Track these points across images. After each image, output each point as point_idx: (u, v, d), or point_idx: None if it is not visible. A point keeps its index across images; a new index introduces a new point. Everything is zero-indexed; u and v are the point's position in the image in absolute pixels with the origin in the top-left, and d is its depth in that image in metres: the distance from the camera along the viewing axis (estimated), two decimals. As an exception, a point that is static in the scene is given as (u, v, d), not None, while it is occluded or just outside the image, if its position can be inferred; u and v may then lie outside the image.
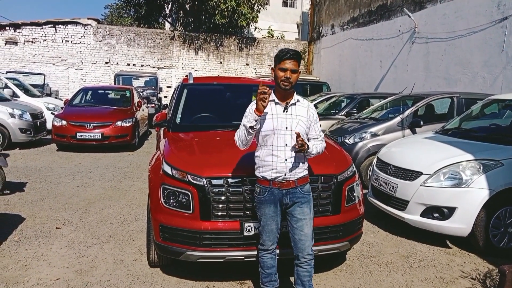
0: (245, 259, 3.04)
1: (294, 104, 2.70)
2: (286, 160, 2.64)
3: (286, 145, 2.63)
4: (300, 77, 2.89)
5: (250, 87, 5.36)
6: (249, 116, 2.59)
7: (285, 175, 2.66)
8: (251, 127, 2.58)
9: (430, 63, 11.42)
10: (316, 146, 2.74)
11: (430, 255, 4.01)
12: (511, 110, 5.44)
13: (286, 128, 2.63)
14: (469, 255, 4.05)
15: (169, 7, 21.74)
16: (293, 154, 2.65)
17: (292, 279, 3.12)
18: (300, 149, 2.55)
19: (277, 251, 2.87)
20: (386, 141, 6.15)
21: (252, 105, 2.65)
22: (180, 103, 4.61)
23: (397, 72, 13.07)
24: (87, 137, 9.03)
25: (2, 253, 3.71)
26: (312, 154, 2.72)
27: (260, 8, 20.36)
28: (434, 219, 4.11)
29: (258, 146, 2.76)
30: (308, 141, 2.71)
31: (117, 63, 18.19)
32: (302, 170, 2.73)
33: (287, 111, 2.67)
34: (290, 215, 2.73)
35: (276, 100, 2.70)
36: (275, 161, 2.65)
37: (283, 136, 2.63)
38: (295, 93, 2.74)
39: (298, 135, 2.53)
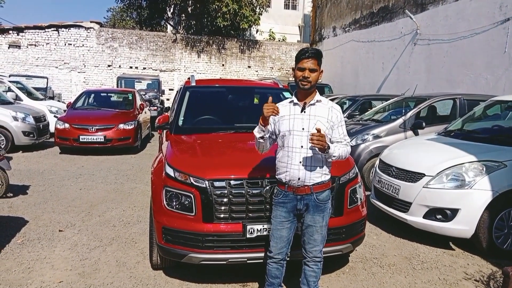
0: (248, 261, 3.04)
1: (314, 104, 2.61)
2: (300, 162, 2.56)
3: (301, 146, 2.55)
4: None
5: (252, 89, 5.38)
6: (257, 127, 2.61)
7: (298, 179, 2.58)
8: (260, 137, 2.63)
9: (432, 64, 11.41)
10: (339, 148, 2.58)
11: (433, 257, 3.99)
12: (514, 111, 5.43)
13: (303, 129, 2.55)
14: (472, 257, 4.03)
15: (171, 10, 21.80)
16: (309, 156, 2.56)
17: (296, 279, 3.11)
18: (317, 146, 2.41)
19: (285, 262, 2.81)
20: (388, 143, 6.15)
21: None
22: (183, 106, 4.62)
23: (399, 74, 13.06)
24: (89, 140, 9.06)
25: (6, 256, 3.72)
26: (334, 156, 2.55)
27: (262, 11, 20.40)
28: (437, 221, 4.10)
29: (278, 147, 2.72)
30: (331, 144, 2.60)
31: (120, 66, 18.26)
32: (320, 175, 2.61)
33: (304, 112, 2.60)
34: (302, 219, 2.71)
35: (295, 101, 2.64)
36: (290, 163, 2.59)
37: (298, 137, 2.56)
38: (317, 93, 2.66)
39: (318, 130, 2.40)
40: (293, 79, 2.69)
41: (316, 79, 2.56)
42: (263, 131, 2.61)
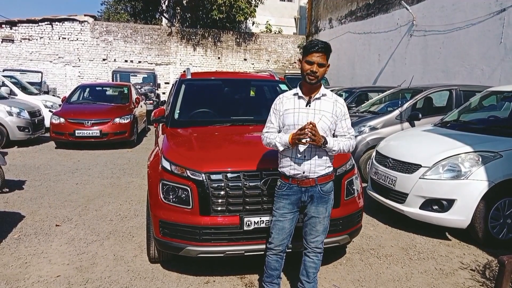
0: (245, 254, 3.04)
1: (319, 98, 2.59)
2: (305, 156, 2.57)
3: (306, 140, 2.53)
4: (298, 72, 2.81)
5: (248, 81, 5.35)
6: (282, 142, 2.56)
7: (303, 172, 2.58)
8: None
9: (428, 56, 11.40)
10: (339, 142, 2.58)
11: (429, 247, 4.02)
12: (509, 101, 5.44)
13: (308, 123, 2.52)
14: (468, 246, 4.06)
15: (166, 3, 21.62)
16: (313, 150, 2.56)
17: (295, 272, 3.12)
18: (312, 142, 2.42)
19: (284, 255, 2.82)
20: (385, 135, 6.15)
21: (276, 105, 2.69)
22: (178, 99, 4.60)
23: (395, 66, 13.04)
24: (85, 134, 9.02)
25: (2, 251, 3.71)
26: (334, 150, 2.56)
27: (258, 3, 20.26)
28: (434, 212, 4.12)
29: None
30: (335, 137, 2.62)
31: (115, 59, 18.13)
32: (323, 168, 2.62)
33: (309, 106, 2.58)
34: (305, 211, 2.71)
35: (300, 94, 2.61)
36: (294, 157, 2.59)
37: None
38: (322, 86, 2.64)
39: (311, 124, 2.40)
40: (298, 71, 2.65)
41: (323, 74, 2.53)
42: (288, 147, 2.57)
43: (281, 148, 2.61)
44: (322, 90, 2.62)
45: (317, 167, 2.60)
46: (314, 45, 2.49)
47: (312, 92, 2.60)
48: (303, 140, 2.44)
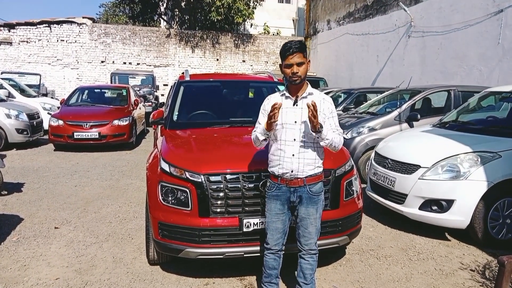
0: (245, 255, 3.04)
1: (306, 97, 2.60)
2: (293, 155, 2.57)
3: (294, 139, 2.56)
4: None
5: (247, 83, 5.36)
6: (261, 129, 2.61)
7: (292, 171, 2.59)
8: (263, 139, 2.65)
9: (427, 57, 11.41)
10: (332, 133, 2.56)
11: (429, 248, 4.02)
12: (507, 102, 5.45)
13: (295, 122, 2.55)
14: (468, 247, 4.06)
15: (164, 5, 21.62)
16: (301, 149, 2.57)
17: (294, 272, 3.12)
18: (313, 119, 2.37)
19: (282, 253, 2.81)
20: (383, 135, 6.16)
21: (265, 106, 2.70)
22: (177, 101, 4.60)
23: (393, 67, 13.06)
24: (84, 137, 9.00)
25: (1, 254, 3.70)
26: (327, 139, 2.51)
27: (256, 4, 20.27)
28: (433, 212, 4.12)
29: (271, 141, 2.71)
30: None
31: (113, 61, 18.10)
32: (312, 168, 2.62)
33: (297, 105, 2.59)
34: (296, 212, 2.71)
35: (287, 94, 2.64)
36: (282, 156, 2.59)
37: (291, 130, 2.56)
38: (308, 86, 2.65)
39: (313, 105, 2.36)
40: (283, 75, 2.66)
41: (305, 71, 2.55)
42: (267, 135, 2.61)
43: (261, 137, 2.63)
44: (309, 89, 2.64)
45: (306, 166, 2.60)
46: (288, 48, 2.51)
47: (299, 92, 2.62)
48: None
